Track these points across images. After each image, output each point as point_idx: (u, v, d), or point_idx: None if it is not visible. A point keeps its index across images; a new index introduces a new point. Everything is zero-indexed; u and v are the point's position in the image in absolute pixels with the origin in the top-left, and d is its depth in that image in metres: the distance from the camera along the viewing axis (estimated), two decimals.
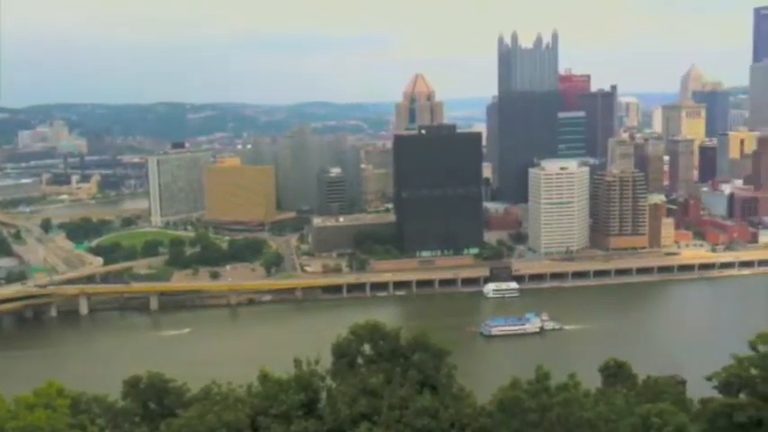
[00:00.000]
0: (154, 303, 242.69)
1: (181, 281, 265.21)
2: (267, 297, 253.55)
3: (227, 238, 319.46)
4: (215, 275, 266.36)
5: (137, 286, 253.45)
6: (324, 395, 36.73)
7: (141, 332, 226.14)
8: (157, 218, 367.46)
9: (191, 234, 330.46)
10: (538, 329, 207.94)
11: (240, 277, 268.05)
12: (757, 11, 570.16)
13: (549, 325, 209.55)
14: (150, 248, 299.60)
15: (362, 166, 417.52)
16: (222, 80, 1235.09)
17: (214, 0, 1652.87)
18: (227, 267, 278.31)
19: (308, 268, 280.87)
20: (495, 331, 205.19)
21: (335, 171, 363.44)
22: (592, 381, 45.91)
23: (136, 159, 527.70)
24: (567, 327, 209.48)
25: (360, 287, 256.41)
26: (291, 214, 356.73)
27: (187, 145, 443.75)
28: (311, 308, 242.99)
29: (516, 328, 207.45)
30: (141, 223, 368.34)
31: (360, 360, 38.02)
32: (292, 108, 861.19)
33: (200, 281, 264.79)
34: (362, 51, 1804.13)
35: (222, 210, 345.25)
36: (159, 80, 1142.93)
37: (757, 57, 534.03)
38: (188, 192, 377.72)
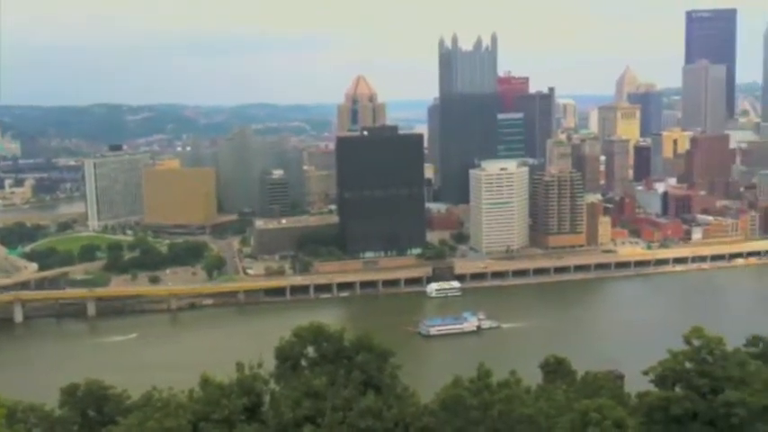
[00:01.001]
0: (91, 309, 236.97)
1: (119, 286, 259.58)
2: (209, 301, 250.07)
3: (167, 241, 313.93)
4: (154, 280, 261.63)
5: (73, 292, 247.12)
6: (267, 399, 36.54)
7: (80, 339, 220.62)
8: (95, 222, 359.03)
9: (129, 238, 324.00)
10: (475, 328, 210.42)
11: (181, 281, 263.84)
12: (689, 14, 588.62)
13: (486, 324, 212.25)
14: (87, 253, 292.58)
15: (305, 167, 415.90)
16: (161, 81, 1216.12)
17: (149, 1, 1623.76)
18: (167, 271, 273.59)
19: (250, 271, 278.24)
20: (433, 331, 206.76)
21: (278, 173, 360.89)
22: (532, 377, 46.76)
23: (72, 162, 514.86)
24: (504, 325, 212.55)
25: (303, 289, 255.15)
26: (233, 216, 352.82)
27: (125, 147, 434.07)
28: (254, 311, 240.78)
29: (454, 327, 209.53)
30: (78, 228, 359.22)
31: (303, 362, 37.95)
32: (233, 109, 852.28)
33: (140, 286, 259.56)
34: (304, 52, 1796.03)
35: (162, 213, 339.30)
36: (96, 81, 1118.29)
37: (689, 59, 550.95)
38: (126, 195, 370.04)
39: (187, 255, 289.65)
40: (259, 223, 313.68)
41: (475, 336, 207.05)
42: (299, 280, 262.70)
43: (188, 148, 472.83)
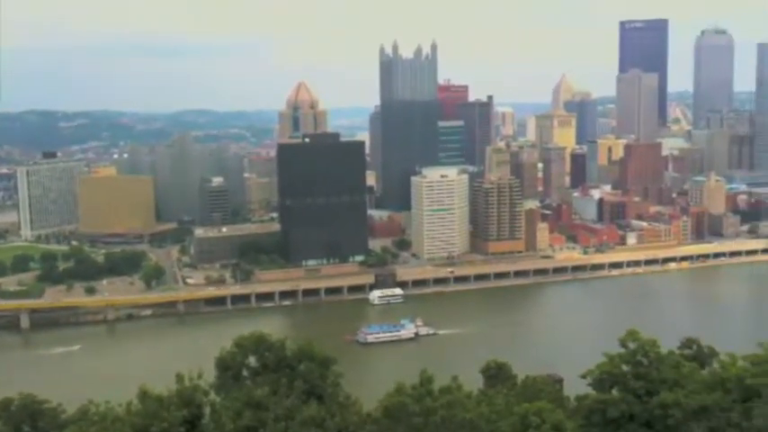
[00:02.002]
0: (25, 321, 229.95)
1: (54, 297, 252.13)
2: (147, 312, 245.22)
3: (104, 251, 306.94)
4: (91, 290, 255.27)
5: (5, 304, 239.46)
6: (207, 410, 35.96)
7: (13, 352, 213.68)
8: (28, 231, 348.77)
9: (64, 248, 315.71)
10: (413, 335, 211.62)
11: (118, 292, 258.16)
12: (623, 24, 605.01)
13: (424, 330, 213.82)
14: (20, 264, 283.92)
15: (246, 174, 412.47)
16: (96, 87, 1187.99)
17: (82, 3, 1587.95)
18: (104, 282, 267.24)
19: (190, 280, 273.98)
20: (370, 338, 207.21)
21: (218, 180, 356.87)
22: (473, 383, 47.23)
23: (4, 170, 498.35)
24: (441, 331, 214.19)
25: (245, 298, 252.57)
26: (172, 225, 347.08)
27: (59, 155, 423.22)
28: (194, 321, 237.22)
29: (392, 334, 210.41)
30: (10, 237, 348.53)
31: (245, 372, 37.54)
32: (171, 116, 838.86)
33: (75, 296, 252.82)
34: (244, 58, 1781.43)
35: (98, 222, 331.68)
36: (28, 87, 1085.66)
37: (623, 68, 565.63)
38: (61, 204, 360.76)
39: (124, 264, 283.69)
40: (199, 232, 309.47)
41: (413, 342, 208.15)
42: (240, 289, 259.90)
43: (125, 156, 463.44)
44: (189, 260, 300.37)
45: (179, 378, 36.33)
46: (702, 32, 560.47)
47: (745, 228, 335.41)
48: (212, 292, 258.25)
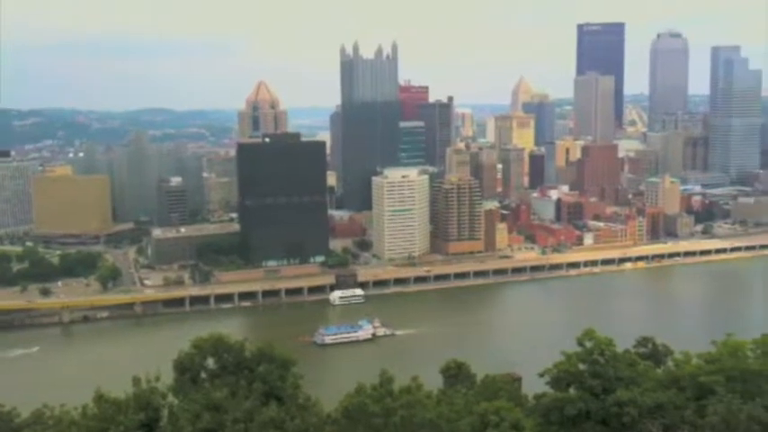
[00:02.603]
0: None
1: (7, 299, 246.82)
2: (104, 314, 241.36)
3: (59, 252, 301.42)
4: (45, 292, 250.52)
5: None
6: (165, 413, 35.55)
7: None
8: None
9: (18, 249, 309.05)
10: (370, 336, 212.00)
11: (74, 293, 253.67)
12: (580, 27, 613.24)
13: (381, 331, 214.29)
14: None
15: (205, 174, 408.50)
16: (52, 86, 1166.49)
17: (39, 1, 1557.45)
18: (59, 283, 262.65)
19: (147, 282, 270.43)
20: (328, 340, 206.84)
21: (176, 180, 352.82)
22: (434, 383, 47.47)
23: None
24: (398, 332, 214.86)
25: (203, 299, 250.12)
26: (129, 226, 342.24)
27: (13, 154, 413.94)
28: (152, 323, 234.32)
29: (349, 335, 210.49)
30: None
31: (203, 374, 37.18)
32: (128, 115, 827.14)
33: (30, 298, 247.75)
34: (203, 57, 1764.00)
35: (53, 222, 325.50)
36: None
37: (580, 70, 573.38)
38: (14, 204, 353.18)
39: (80, 266, 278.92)
40: (156, 232, 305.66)
41: (370, 343, 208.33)
42: (198, 290, 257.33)
43: (81, 155, 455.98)
44: (146, 261, 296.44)
45: (136, 381, 35.85)
46: (658, 36, 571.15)
47: (699, 228, 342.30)
48: (171, 293, 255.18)
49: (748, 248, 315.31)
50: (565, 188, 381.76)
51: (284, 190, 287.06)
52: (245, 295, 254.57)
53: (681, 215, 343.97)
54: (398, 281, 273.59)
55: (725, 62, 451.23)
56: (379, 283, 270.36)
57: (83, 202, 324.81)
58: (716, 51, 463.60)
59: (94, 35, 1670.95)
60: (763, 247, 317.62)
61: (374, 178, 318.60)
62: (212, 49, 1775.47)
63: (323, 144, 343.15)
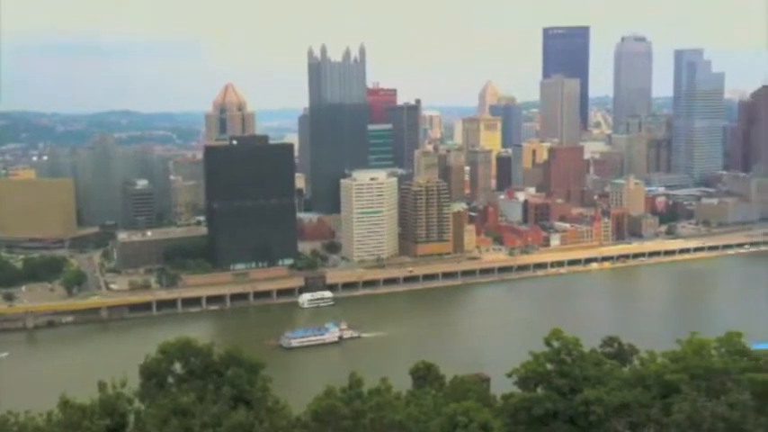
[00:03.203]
0: None
1: None
2: (69, 318, 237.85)
3: (22, 256, 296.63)
4: (9, 297, 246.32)
5: None
6: (132, 419, 35.16)
7: None
8: None
9: None
10: (337, 339, 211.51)
11: (38, 298, 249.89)
12: (546, 31, 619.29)
13: (348, 333, 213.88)
14: None
15: (171, 177, 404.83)
16: (15, 87, 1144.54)
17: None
18: (23, 288, 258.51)
19: (113, 286, 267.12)
20: (294, 343, 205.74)
21: (142, 183, 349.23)
22: (403, 384, 47.54)
23: None
24: (365, 334, 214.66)
25: (171, 303, 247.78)
26: (94, 229, 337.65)
27: None
28: (118, 328, 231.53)
29: (315, 338, 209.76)
30: None
31: (170, 379, 36.87)
32: (93, 117, 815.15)
33: None
34: (170, 58, 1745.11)
35: (16, 226, 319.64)
36: None
37: (546, 73, 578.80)
38: None
39: (44, 270, 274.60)
40: (122, 236, 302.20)
41: (337, 346, 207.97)
42: (165, 294, 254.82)
43: (45, 158, 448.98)
44: (112, 265, 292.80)
45: (102, 386, 35.42)
46: (622, 39, 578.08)
47: (664, 228, 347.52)
48: (137, 297, 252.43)
49: (711, 248, 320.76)
50: (532, 190, 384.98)
51: (252, 193, 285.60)
52: (212, 299, 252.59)
53: (645, 216, 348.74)
54: (368, 283, 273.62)
55: (688, 65, 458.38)
56: (349, 286, 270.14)
57: (47, 205, 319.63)
58: (679, 54, 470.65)
59: (57, 37, 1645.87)
60: (726, 246, 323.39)
61: (343, 180, 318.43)
62: (179, 50, 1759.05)
63: (291, 146, 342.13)
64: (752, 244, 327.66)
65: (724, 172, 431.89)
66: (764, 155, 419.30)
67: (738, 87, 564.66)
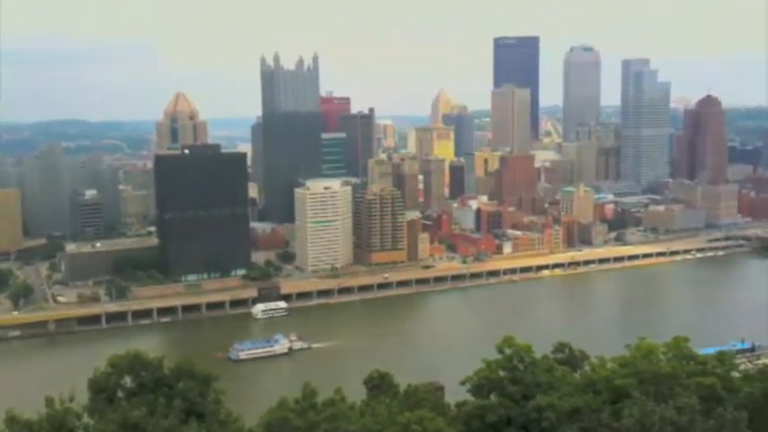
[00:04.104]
0: None
1: None
2: (15, 333, 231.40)
3: None
4: None
5: None
6: None
7: None
8: None
9: None
10: (287, 350, 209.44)
11: None
12: (497, 41, 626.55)
13: (298, 345, 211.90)
14: None
15: (121, 187, 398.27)
16: None
17: None
18: None
19: (61, 298, 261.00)
20: (243, 355, 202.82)
21: (91, 193, 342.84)
22: (358, 394, 47.43)
23: None
24: (314, 345, 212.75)
25: (120, 316, 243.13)
26: (41, 241, 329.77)
27: None
28: (66, 341, 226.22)
29: (265, 350, 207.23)
30: None
31: (120, 393, 36.28)
32: (39, 126, 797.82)
33: None
34: (120, 67, 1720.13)
35: None
36: None
37: (497, 83, 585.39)
38: None
39: None
40: (71, 247, 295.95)
41: (286, 358, 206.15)
42: (115, 307, 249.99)
43: None
44: (60, 277, 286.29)
45: (49, 401, 34.69)
46: (571, 49, 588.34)
47: (613, 235, 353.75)
48: (86, 310, 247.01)
49: (659, 254, 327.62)
50: (484, 198, 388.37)
51: (204, 202, 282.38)
52: (164, 311, 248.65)
53: (595, 223, 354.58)
54: (322, 292, 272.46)
55: (635, 74, 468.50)
56: (303, 296, 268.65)
57: None
58: (626, 64, 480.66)
59: (4, 44, 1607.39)
60: (673, 252, 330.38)
61: (296, 190, 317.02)
62: (129, 58, 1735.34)
63: (244, 155, 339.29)
64: (698, 250, 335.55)
65: (670, 179, 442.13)
66: (709, 163, 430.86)
67: (684, 96, 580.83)
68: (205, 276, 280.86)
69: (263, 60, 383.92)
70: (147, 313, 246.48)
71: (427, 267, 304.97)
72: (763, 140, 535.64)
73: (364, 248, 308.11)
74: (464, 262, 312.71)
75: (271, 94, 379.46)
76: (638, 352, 44.66)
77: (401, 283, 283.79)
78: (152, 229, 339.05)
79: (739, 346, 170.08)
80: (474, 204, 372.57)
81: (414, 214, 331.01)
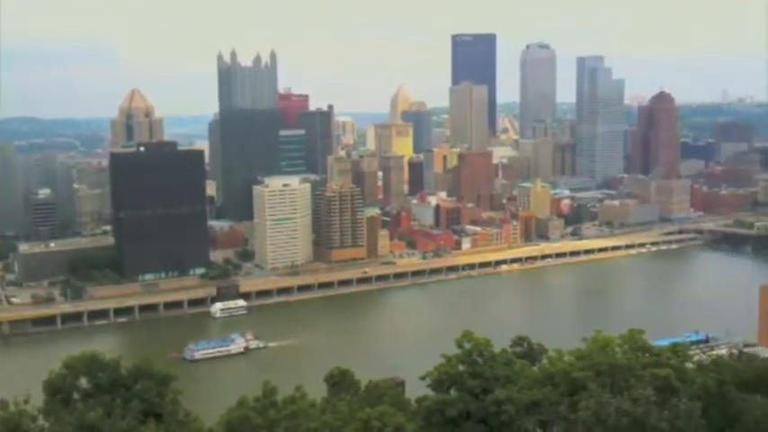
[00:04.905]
0: None
1: None
2: None
3: None
4: None
5: None
6: None
7: None
8: None
9: None
10: (243, 349, 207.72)
11: None
12: (454, 38, 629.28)
13: (254, 344, 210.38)
14: None
15: (76, 186, 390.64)
16: None
17: None
18: None
19: (14, 300, 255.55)
20: (198, 355, 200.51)
21: (44, 192, 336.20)
22: (319, 392, 47.42)
23: None
24: (272, 344, 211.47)
25: (76, 317, 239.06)
26: None
27: None
28: (21, 343, 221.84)
29: (220, 349, 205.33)
30: None
31: (76, 395, 35.76)
32: None
33: None
34: (73, 64, 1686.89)
35: None
36: None
37: (455, 80, 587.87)
38: None
39: None
40: (24, 247, 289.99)
41: (243, 357, 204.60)
42: (70, 307, 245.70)
43: None
44: (13, 278, 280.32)
45: (3, 404, 34.11)
46: (527, 47, 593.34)
47: (569, 230, 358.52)
48: (40, 311, 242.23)
49: (615, 248, 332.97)
50: (443, 194, 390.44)
51: (161, 201, 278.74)
52: (120, 311, 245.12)
53: (551, 218, 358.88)
54: (282, 290, 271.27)
55: (590, 72, 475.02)
56: (263, 294, 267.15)
57: None
58: (581, 61, 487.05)
59: None
60: (628, 246, 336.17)
61: (255, 187, 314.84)
62: (82, 55, 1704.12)
63: (201, 153, 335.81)
64: (653, 243, 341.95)
65: (625, 175, 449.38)
66: (663, 158, 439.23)
67: (638, 93, 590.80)
68: (163, 276, 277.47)
69: (219, 57, 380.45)
70: (103, 313, 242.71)
71: (387, 264, 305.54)
72: (715, 136, 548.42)
73: (324, 246, 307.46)
74: (424, 258, 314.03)
75: (228, 91, 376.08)
76: (595, 345, 45.33)
77: (361, 280, 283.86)
78: (108, 228, 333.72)
79: (693, 338, 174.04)
80: (433, 201, 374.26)
81: (373, 211, 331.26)
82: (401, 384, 64.39)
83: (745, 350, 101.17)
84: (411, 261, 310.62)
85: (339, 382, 51.28)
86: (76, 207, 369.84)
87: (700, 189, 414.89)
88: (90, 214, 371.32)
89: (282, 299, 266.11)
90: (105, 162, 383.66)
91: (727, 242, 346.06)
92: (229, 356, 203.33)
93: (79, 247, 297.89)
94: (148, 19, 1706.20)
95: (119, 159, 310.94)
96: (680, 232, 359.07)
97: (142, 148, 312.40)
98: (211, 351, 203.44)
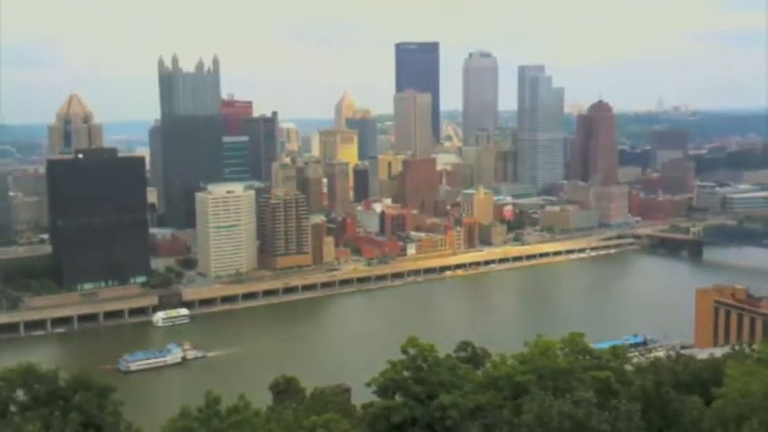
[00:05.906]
0: None
1: None
2: None
3: None
4: None
5: None
6: None
7: None
8: None
9: None
10: (180, 360, 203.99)
11: None
12: (398, 46, 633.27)
13: (192, 354, 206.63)
14: None
15: (11, 193, 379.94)
16: None
17: None
18: None
19: None
20: (133, 366, 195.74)
21: None
22: (264, 400, 47.02)
23: None
24: (211, 353, 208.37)
25: (12, 327, 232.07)
26: None
27: None
28: None
29: (156, 360, 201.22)
30: None
31: (13, 408, 34.75)
32: None
33: None
34: (7, 67, 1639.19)
35: None
36: None
37: (399, 87, 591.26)
38: None
39: None
40: None
41: (180, 367, 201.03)
42: (6, 318, 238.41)
43: None
44: None
45: None
46: (470, 55, 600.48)
47: (512, 236, 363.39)
48: None
49: (556, 253, 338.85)
50: (388, 201, 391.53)
51: (100, 208, 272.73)
52: (58, 321, 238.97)
53: (494, 224, 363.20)
54: (226, 298, 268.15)
55: (531, 80, 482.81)
56: (206, 302, 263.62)
57: None
58: (522, 70, 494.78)
59: None
60: (569, 251, 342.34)
61: (198, 194, 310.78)
62: (18, 60, 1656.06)
63: (142, 159, 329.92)
64: (592, 248, 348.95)
65: (565, 181, 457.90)
66: (601, 165, 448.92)
67: (577, 102, 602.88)
68: (102, 285, 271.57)
69: (160, 62, 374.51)
70: (40, 324, 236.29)
71: (332, 271, 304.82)
72: (651, 144, 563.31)
73: (269, 253, 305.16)
74: (369, 264, 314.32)
75: (169, 96, 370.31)
76: (537, 348, 46.01)
77: (306, 287, 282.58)
78: (45, 236, 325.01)
79: (632, 341, 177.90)
80: (378, 207, 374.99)
81: (318, 218, 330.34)
82: (347, 391, 64.22)
83: (683, 352, 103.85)
84: (356, 268, 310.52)
85: (284, 390, 51.02)
86: (13, 215, 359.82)
87: (637, 195, 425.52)
88: (27, 222, 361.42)
89: (227, 307, 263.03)
90: (42, 169, 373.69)
91: (664, 247, 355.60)
92: (166, 367, 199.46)
93: (15, 255, 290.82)
94: (88, 24, 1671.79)
95: (56, 166, 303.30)
96: (618, 237, 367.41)
97: (80, 155, 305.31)
98: (147, 362, 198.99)
